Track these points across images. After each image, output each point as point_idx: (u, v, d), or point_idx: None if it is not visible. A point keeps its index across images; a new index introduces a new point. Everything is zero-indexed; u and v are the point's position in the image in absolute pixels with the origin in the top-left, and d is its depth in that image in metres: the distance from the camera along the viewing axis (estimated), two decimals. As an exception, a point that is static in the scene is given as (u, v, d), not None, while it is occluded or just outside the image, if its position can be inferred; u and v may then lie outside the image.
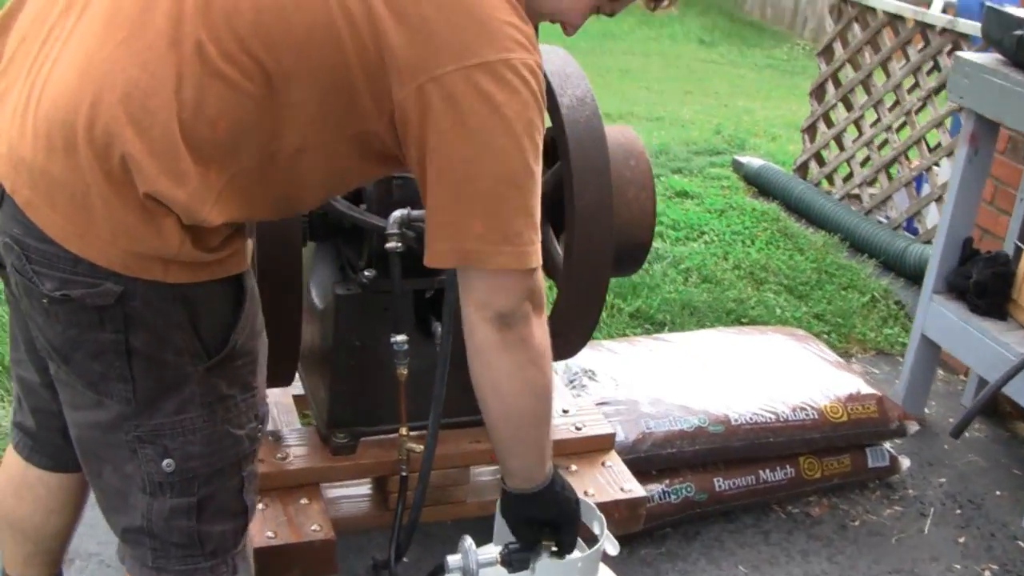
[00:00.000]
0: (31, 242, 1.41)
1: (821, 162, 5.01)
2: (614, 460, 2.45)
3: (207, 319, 1.50)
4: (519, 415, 1.59)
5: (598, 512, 1.88)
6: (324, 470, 2.29)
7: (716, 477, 2.74)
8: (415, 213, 2.14)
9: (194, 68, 1.33)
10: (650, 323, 3.64)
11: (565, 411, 2.54)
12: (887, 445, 3.02)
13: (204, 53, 1.33)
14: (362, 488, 2.46)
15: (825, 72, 4.91)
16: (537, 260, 1.48)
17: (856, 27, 4.70)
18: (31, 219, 1.39)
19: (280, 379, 2.35)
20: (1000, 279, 3.06)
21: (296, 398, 2.57)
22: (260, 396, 1.66)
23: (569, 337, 2.40)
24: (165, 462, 1.55)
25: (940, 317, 3.16)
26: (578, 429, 2.47)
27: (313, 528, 2.14)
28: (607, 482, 2.37)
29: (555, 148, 2.27)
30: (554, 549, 1.76)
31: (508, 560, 1.77)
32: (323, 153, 1.46)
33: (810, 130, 5.05)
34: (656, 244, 4.20)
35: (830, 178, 4.94)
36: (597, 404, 2.74)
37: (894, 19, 4.46)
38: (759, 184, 5.01)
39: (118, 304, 1.42)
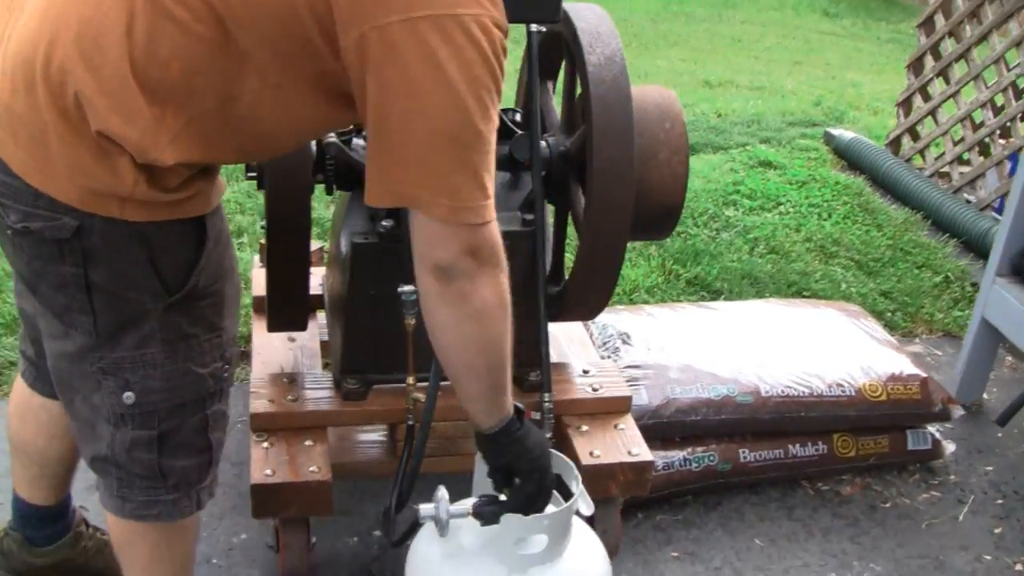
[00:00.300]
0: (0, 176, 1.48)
1: (916, 137, 4.84)
2: (628, 423, 2.43)
3: (167, 258, 1.55)
4: (457, 365, 1.61)
5: (576, 471, 1.88)
6: (332, 414, 2.33)
7: (742, 448, 2.70)
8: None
9: (145, 9, 1.37)
10: (707, 291, 3.60)
11: (586, 371, 2.53)
12: (932, 428, 2.93)
13: None
14: (378, 435, 2.51)
15: (924, 44, 4.73)
16: (480, 217, 1.48)
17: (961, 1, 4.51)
18: None
19: (292, 323, 2.42)
20: (1066, 264, 2.93)
21: (323, 344, 2.62)
22: (228, 337, 1.71)
23: (587, 296, 2.40)
24: (126, 395, 1.62)
25: (1002, 301, 3.04)
26: (595, 391, 2.46)
27: (312, 469, 2.19)
28: (615, 444, 2.36)
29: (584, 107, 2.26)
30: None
31: (479, 512, 1.79)
32: (285, 95, 1.48)
33: (905, 104, 4.88)
34: (728, 212, 4.16)
35: (923, 154, 4.78)
36: (626, 367, 2.73)
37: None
38: (848, 157, 4.87)
39: (76, 238, 1.49)
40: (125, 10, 1.37)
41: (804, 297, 3.59)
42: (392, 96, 1.40)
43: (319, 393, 2.37)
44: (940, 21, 4.63)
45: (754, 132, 5.14)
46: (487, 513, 1.77)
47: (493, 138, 1.48)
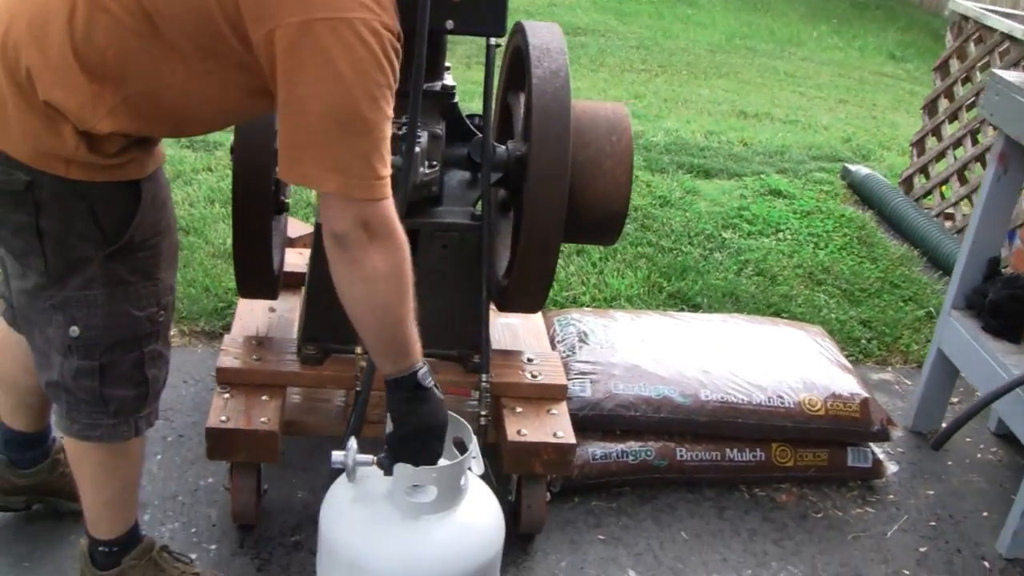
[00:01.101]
0: None
1: (928, 177, 4.95)
2: (560, 410, 2.62)
3: (106, 214, 1.81)
4: (355, 320, 1.84)
5: (472, 434, 2.08)
6: (289, 375, 2.57)
7: (680, 447, 2.87)
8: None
9: (84, 3, 1.64)
10: (687, 305, 3.77)
11: (530, 360, 2.73)
12: (876, 448, 3.07)
13: None
14: (337, 400, 2.74)
15: (939, 87, 4.85)
16: (371, 194, 1.70)
17: (972, 45, 4.63)
18: None
19: (256, 291, 2.66)
20: (1016, 301, 3.04)
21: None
22: (164, 287, 1.96)
23: (526, 288, 2.60)
24: (71, 328, 1.87)
25: (955, 333, 3.17)
26: (533, 377, 2.66)
27: (262, 419, 2.43)
28: (544, 426, 2.54)
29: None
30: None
31: (380, 461, 2.01)
32: (209, 83, 1.73)
33: (919, 144, 5.00)
34: (726, 235, 4.32)
35: (933, 194, 4.89)
36: (577, 362, 2.93)
37: (1010, 40, 4.38)
38: (861, 193, 5.00)
39: (28, 191, 1.75)
40: (68, 2, 1.63)
41: (782, 319, 3.74)
42: (291, 85, 1.64)
43: (282, 356, 2.61)
44: (955, 65, 4.74)
45: (774, 163, 5.28)
46: (384, 462, 1.99)
47: (385, 126, 1.70)
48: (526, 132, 2.62)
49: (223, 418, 2.42)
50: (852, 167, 5.16)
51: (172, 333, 3.17)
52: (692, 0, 11.00)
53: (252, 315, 2.84)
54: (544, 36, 2.54)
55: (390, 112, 1.71)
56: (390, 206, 1.76)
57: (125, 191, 1.82)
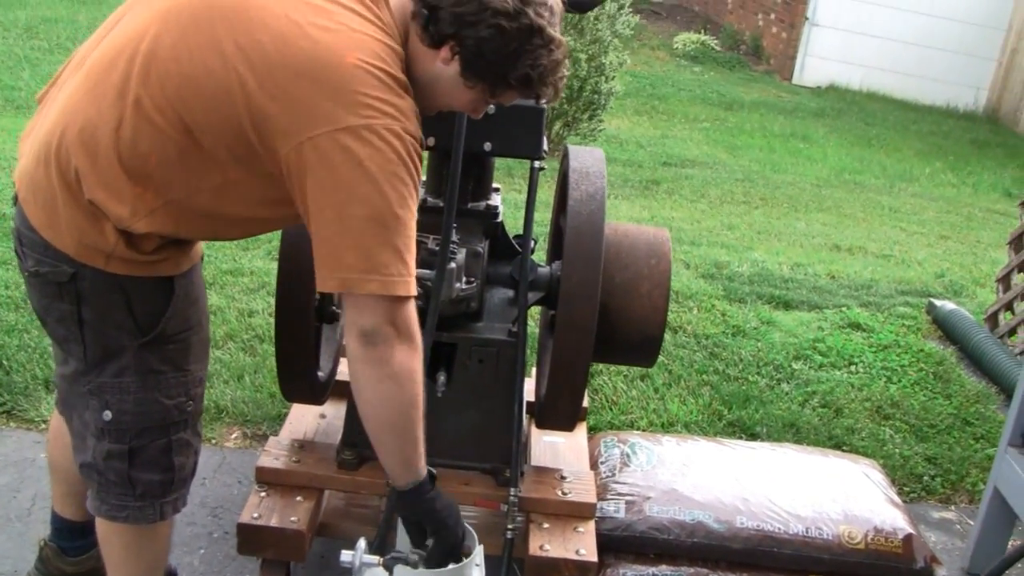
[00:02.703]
0: (24, 230, 1.95)
1: (1014, 314, 4.86)
2: (587, 528, 2.66)
3: (140, 306, 1.97)
4: (377, 421, 1.94)
5: (476, 540, 2.15)
6: (324, 478, 2.69)
7: (713, 573, 2.86)
8: (419, 272, 2.52)
9: (132, 114, 1.82)
10: (745, 434, 3.76)
11: (563, 477, 2.79)
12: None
13: (140, 104, 1.81)
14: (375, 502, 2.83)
15: (1025, 224, 4.80)
16: (405, 290, 1.83)
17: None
18: (24, 212, 1.92)
19: (299, 396, 2.79)
20: (1073, 442, 2.98)
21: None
22: (193, 378, 2.10)
23: (556, 406, 2.68)
24: (105, 412, 2.03)
25: (1011, 471, 3.10)
26: (564, 494, 2.71)
27: (292, 519, 2.54)
28: (568, 543, 2.59)
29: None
30: (414, 557, 2.06)
31: (386, 564, 2.09)
32: (241, 191, 1.90)
33: (1004, 280, 4.92)
34: (796, 366, 4.31)
35: (1017, 330, 4.79)
36: (616, 483, 2.97)
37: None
38: (945, 329, 4.93)
39: (71, 282, 1.93)
40: (117, 113, 1.83)
41: (843, 451, 3.70)
42: (327, 192, 1.79)
43: (320, 460, 2.73)
44: (1041, 203, 4.70)
45: (859, 296, 5.25)
46: (389, 563, 2.08)
47: (412, 224, 1.85)
48: (560, 252, 2.73)
49: (255, 515, 2.53)
50: (938, 302, 5.10)
51: (234, 435, 3.35)
52: (806, 135, 11.05)
53: (302, 420, 2.98)
54: (585, 160, 2.66)
55: (415, 211, 1.85)
56: (414, 305, 1.89)
57: (160, 286, 1.99)
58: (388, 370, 1.88)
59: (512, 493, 2.60)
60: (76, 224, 1.88)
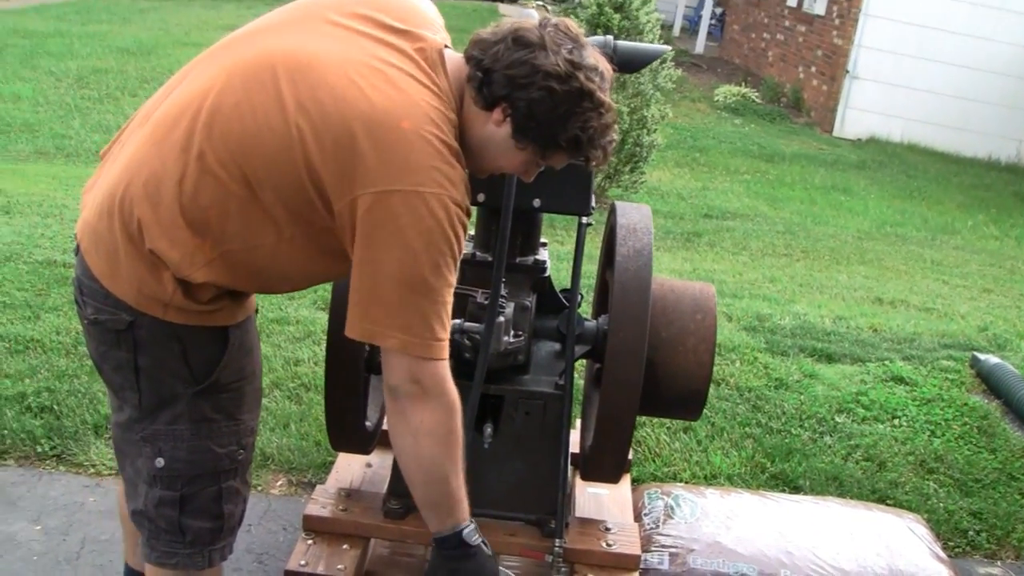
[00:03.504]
0: (84, 279, 2.02)
1: (1060, 370, 4.83)
2: (631, 579, 2.69)
3: (195, 354, 2.03)
4: (407, 470, 2.02)
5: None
6: (371, 527, 2.72)
7: (757, 626, 2.87)
8: (468, 325, 2.58)
9: (195, 168, 1.89)
10: (788, 487, 3.76)
11: (608, 528, 2.81)
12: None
13: (203, 159, 1.88)
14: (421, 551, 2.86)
15: (1070, 279, 4.78)
16: (427, 352, 1.89)
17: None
18: (86, 263, 1.99)
19: (346, 445, 2.84)
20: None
21: (395, 472, 3.02)
22: (245, 428, 2.15)
23: (602, 459, 2.70)
24: (157, 460, 2.08)
25: (1058, 528, 3.09)
26: (608, 546, 2.73)
27: (339, 567, 2.58)
28: (610, 593, 2.62)
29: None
30: None
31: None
32: (295, 248, 1.96)
33: (1050, 336, 4.90)
34: (839, 419, 4.31)
35: (1064, 388, 4.76)
36: (659, 535, 2.98)
37: None
38: (990, 383, 4.90)
39: (129, 331, 1.99)
40: (180, 166, 1.89)
41: (887, 505, 3.69)
42: (364, 248, 1.86)
43: (367, 509, 2.77)
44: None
45: (902, 349, 5.24)
46: None
47: (447, 292, 1.90)
48: (607, 307, 2.77)
49: (302, 562, 2.58)
50: (982, 356, 5.08)
51: (280, 482, 3.40)
52: (847, 187, 11.06)
53: (349, 469, 3.02)
54: (633, 216, 2.71)
55: (452, 280, 1.91)
56: (445, 367, 1.94)
57: (215, 335, 2.04)
58: (407, 426, 1.96)
59: (557, 544, 2.63)
60: (136, 274, 1.94)
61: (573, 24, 1.98)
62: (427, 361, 1.91)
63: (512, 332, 2.65)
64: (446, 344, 1.93)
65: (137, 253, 1.93)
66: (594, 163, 2.03)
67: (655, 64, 7.77)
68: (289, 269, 2.02)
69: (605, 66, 1.97)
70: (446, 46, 2.02)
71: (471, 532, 2.06)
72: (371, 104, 1.84)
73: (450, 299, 1.92)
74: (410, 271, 1.85)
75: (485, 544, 2.09)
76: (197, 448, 2.08)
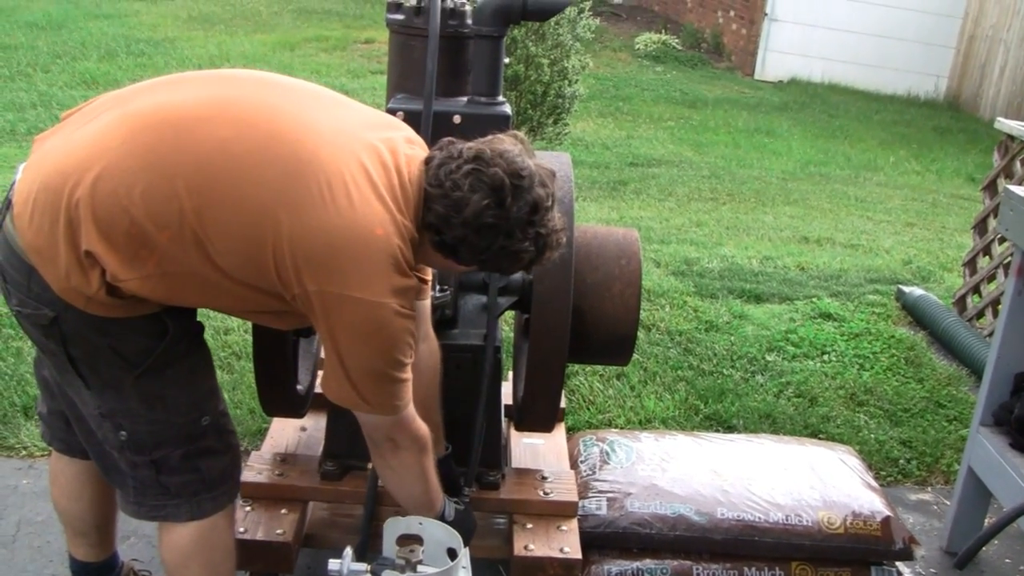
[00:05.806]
0: (8, 268, 1.96)
1: (981, 297, 4.93)
2: (570, 526, 2.70)
3: (126, 344, 1.98)
4: (391, 490, 2.30)
5: (462, 544, 2.19)
6: (308, 490, 2.71)
7: (697, 565, 2.89)
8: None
9: (165, 188, 1.84)
10: (722, 427, 3.81)
11: (544, 477, 2.82)
12: (905, 568, 3.05)
13: (175, 182, 1.84)
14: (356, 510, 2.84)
15: (988, 206, 4.87)
16: (396, 412, 2.04)
17: (1019, 164, 4.67)
18: (15, 232, 1.91)
19: (278, 409, 2.81)
20: (1042, 417, 3.04)
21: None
22: (202, 393, 2.14)
23: (534, 407, 2.71)
24: (120, 433, 2.06)
25: (983, 450, 3.16)
26: (545, 494, 2.75)
27: (278, 532, 2.56)
28: (551, 542, 2.62)
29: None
30: (400, 561, 2.09)
31: (373, 570, 2.12)
32: (238, 292, 1.95)
33: (970, 264, 5.00)
34: (769, 358, 4.36)
35: (985, 312, 4.86)
36: (596, 481, 3.00)
37: (1053, 159, 4.41)
38: (915, 314, 5.00)
39: (54, 324, 1.94)
40: (148, 178, 1.84)
41: (819, 439, 3.75)
42: (330, 340, 1.95)
43: (303, 472, 2.75)
44: (1003, 184, 4.77)
45: (829, 286, 5.31)
46: (376, 569, 2.11)
47: (406, 372, 2.02)
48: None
49: (241, 529, 2.55)
50: (906, 288, 5.17)
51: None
52: (770, 130, 11.14)
53: (283, 433, 2.99)
54: (554, 164, 2.68)
55: (410, 362, 2.02)
56: (410, 413, 2.10)
57: (146, 324, 1.99)
58: (387, 467, 2.21)
59: (465, 492, 2.62)
60: (67, 262, 1.87)
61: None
62: (395, 422, 2.07)
63: (438, 286, 2.63)
64: (407, 403, 2.07)
65: (73, 245, 1.86)
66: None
67: (573, 15, 7.73)
68: (228, 306, 2.07)
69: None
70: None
71: (449, 511, 2.30)
72: (352, 210, 1.88)
73: (410, 375, 2.04)
74: (373, 368, 2.00)
75: (459, 502, 2.39)
76: (155, 421, 2.07)
